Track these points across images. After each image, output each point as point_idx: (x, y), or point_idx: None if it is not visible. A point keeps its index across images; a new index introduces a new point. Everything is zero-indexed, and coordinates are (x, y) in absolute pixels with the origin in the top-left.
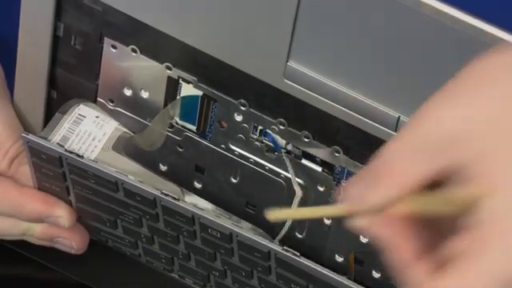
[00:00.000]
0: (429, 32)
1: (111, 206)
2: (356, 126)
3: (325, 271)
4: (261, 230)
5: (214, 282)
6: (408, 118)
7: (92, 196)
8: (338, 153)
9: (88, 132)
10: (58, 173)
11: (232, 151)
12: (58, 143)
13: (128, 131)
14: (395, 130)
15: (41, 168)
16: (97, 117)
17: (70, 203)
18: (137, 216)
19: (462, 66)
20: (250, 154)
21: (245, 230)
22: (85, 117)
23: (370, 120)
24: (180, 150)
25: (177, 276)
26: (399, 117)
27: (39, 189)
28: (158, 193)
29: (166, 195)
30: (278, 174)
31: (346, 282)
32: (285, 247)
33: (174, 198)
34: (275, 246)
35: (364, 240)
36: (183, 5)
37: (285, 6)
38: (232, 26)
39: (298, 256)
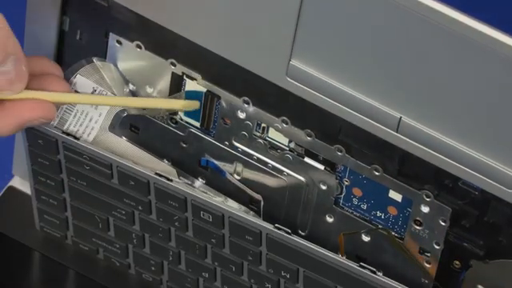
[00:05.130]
0: (431, 33)
1: (105, 198)
2: (358, 125)
3: (316, 247)
4: (253, 212)
5: None
6: (409, 118)
7: (86, 188)
8: (341, 151)
9: (85, 112)
10: (53, 162)
11: (235, 148)
12: (55, 126)
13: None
14: (396, 131)
15: (37, 157)
16: (94, 89)
17: (63, 201)
18: (129, 210)
19: (462, 68)
20: (253, 151)
21: (236, 210)
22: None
23: (372, 120)
24: (184, 145)
25: (165, 287)
26: (401, 117)
27: (35, 186)
28: (151, 173)
29: (160, 176)
30: (280, 172)
31: (338, 258)
32: (276, 225)
33: (168, 179)
34: (267, 225)
35: (365, 239)
36: (188, 2)
37: (287, 5)
38: (235, 24)
39: (289, 233)
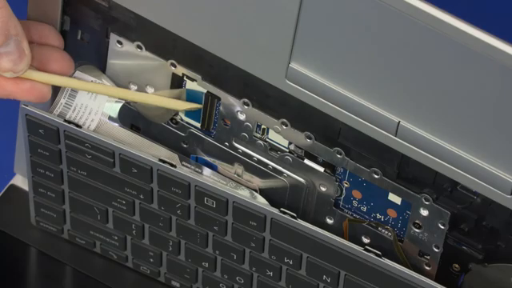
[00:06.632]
0: (430, 38)
1: (105, 187)
2: (356, 128)
3: (321, 231)
4: (259, 196)
5: (202, 280)
6: (408, 123)
7: (86, 178)
8: (340, 154)
9: (84, 105)
10: (54, 152)
11: (235, 149)
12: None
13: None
14: (395, 135)
15: (37, 148)
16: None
17: (61, 193)
18: (130, 199)
19: (461, 73)
20: (253, 152)
21: (241, 194)
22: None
23: (371, 123)
24: (184, 145)
25: (163, 280)
26: (399, 122)
27: (33, 178)
28: (155, 159)
29: (164, 162)
30: (280, 173)
31: (343, 242)
32: (282, 209)
33: (172, 165)
34: (272, 209)
35: (366, 241)
36: (188, 4)
37: (287, 8)
38: (235, 26)
39: (294, 218)
